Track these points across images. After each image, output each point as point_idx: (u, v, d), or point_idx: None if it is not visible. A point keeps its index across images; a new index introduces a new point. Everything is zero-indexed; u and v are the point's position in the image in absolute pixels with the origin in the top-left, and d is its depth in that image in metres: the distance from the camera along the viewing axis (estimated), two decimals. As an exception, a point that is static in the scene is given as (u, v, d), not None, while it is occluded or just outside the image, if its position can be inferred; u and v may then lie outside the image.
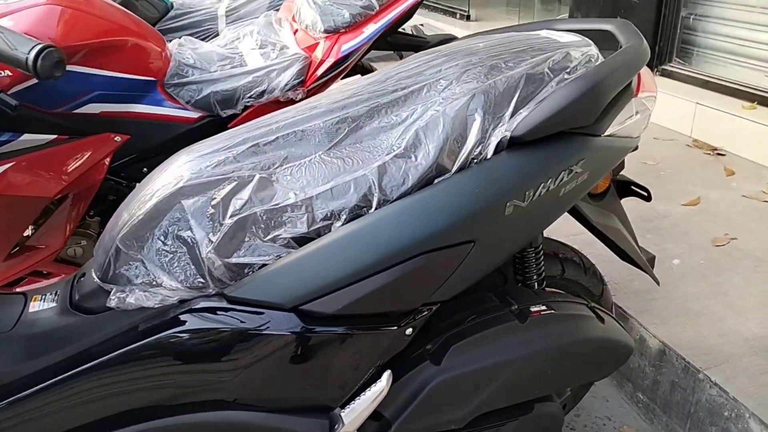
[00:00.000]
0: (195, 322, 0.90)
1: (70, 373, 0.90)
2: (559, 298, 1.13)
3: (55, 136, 1.46)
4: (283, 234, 0.89)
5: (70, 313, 0.98)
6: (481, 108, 0.92)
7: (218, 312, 0.90)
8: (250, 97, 1.59)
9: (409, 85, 0.99)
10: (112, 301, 0.92)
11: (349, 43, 1.62)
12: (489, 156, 0.92)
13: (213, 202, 0.90)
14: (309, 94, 1.64)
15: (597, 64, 1.01)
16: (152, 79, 1.57)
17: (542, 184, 0.93)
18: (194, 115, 1.60)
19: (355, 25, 1.65)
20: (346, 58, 1.62)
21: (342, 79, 1.72)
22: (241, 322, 0.89)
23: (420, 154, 0.91)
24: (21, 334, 0.96)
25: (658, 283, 1.39)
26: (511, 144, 0.94)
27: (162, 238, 0.91)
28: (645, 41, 1.06)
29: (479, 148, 0.92)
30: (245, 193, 0.90)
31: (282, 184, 0.91)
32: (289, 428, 0.95)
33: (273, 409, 0.95)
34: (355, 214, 0.90)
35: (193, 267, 0.90)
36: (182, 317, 0.91)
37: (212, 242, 0.89)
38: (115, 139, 1.54)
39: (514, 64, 0.98)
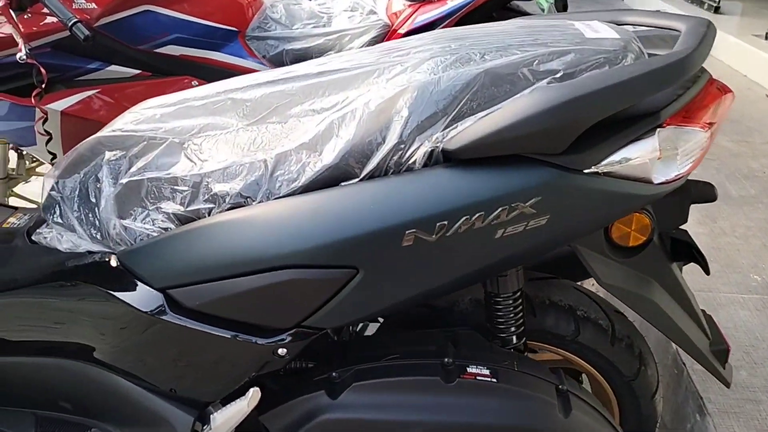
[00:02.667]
0: (80, 277, 0.88)
1: None
2: (522, 366, 0.88)
3: (138, 72, 1.55)
4: (165, 207, 0.81)
5: (19, 238, 1.02)
6: (410, 107, 0.72)
7: (101, 273, 0.87)
8: (322, 59, 1.50)
9: (365, 64, 0.82)
10: (34, 236, 0.93)
11: (426, 14, 1.43)
12: (412, 165, 0.73)
13: (122, 161, 0.86)
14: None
15: (601, 70, 0.73)
16: (234, 29, 1.57)
17: (464, 218, 0.70)
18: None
19: (441, -5, 1.46)
20: (418, 30, 1.44)
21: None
22: (115, 289, 0.85)
23: (326, 149, 0.75)
24: None
25: (727, 385, 1.02)
26: (446, 159, 0.73)
27: (81, 184, 0.90)
28: (700, 49, 0.74)
29: (397, 156, 0.73)
30: (149, 157, 0.85)
31: (187, 154, 0.84)
32: (153, 408, 0.89)
33: (147, 386, 0.89)
34: (237, 202, 0.78)
35: (96, 221, 0.88)
36: (73, 269, 0.89)
37: (108, 200, 0.85)
38: (193, 83, 1.57)
39: (491, 58, 0.75)
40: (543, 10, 1.68)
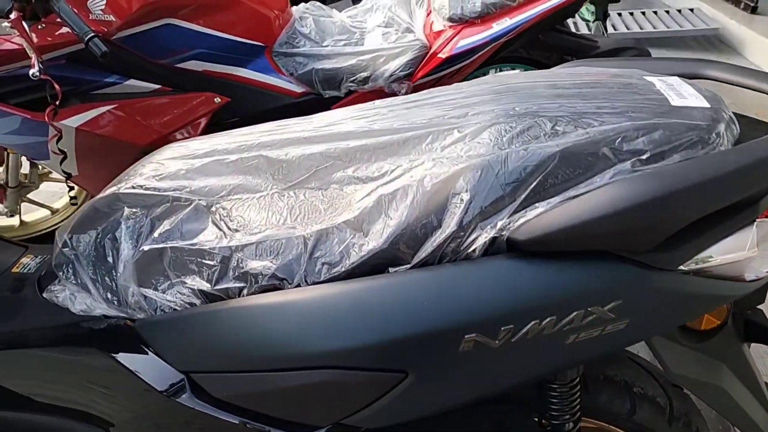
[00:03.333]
0: (94, 344, 0.81)
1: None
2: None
3: (158, 87, 1.46)
4: (190, 283, 0.73)
5: (29, 287, 0.95)
6: (471, 189, 0.63)
7: (117, 342, 0.79)
8: (352, 81, 1.40)
9: (416, 126, 0.73)
10: (46, 293, 0.86)
11: (469, 39, 1.32)
12: (475, 255, 0.64)
13: (143, 221, 0.78)
14: (417, 89, 1.40)
15: (696, 157, 0.63)
16: (261, 44, 1.47)
17: (533, 322, 0.61)
18: (297, 89, 1.48)
19: (485, 17, 1.34)
20: (461, 56, 1.34)
21: (465, 79, 1.44)
22: (132, 363, 0.77)
23: (373, 230, 0.66)
24: None
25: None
26: (510, 248, 0.64)
27: (97, 242, 0.82)
28: None
29: (455, 243, 0.64)
30: (173, 220, 0.76)
31: (215, 220, 0.75)
32: None
33: None
34: (272, 284, 0.69)
35: (113, 285, 0.80)
36: (87, 334, 0.82)
37: (127, 266, 0.77)
38: (215, 100, 1.49)
39: (563, 129, 0.66)
40: (588, 25, 1.56)
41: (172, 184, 0.79)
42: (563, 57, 1.67)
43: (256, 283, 0.70)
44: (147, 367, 0.78)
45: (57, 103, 1.34)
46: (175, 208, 0.77)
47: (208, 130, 1.55)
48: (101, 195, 0.83)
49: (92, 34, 1.25)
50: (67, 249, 0.83)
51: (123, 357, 0.79)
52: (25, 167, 1.97)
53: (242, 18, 1.43)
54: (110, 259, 0.80)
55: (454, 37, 1.34)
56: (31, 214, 2.24)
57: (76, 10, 1.27)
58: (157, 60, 1.43)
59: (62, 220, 2.25)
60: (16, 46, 1.36)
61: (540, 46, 1.55)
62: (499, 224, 0.62)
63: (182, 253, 0.74)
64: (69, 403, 0.89)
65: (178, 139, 1.53)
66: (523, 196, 0.62)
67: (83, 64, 1.44)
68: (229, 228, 0.74)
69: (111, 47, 1.35)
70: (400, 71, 1.35)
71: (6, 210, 1.98)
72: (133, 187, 0.80)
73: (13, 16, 1.26)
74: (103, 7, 1.35)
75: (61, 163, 1.49)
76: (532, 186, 0.62)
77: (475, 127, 0.69)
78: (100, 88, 1.46)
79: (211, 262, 0.72)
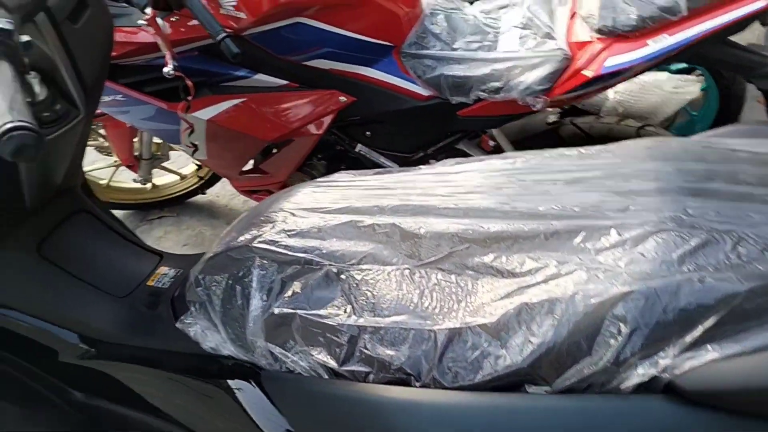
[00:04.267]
0: (222, 386, 0.84)
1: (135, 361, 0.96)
2: None
3: (285, 83, 1.45)
4: (317, 356, 0.73)
5: (165, 305, 1.00)
6: (633, 320, 0.57)
7: (242, 389, 0.82)
8: (483, 89, 1.32)
9: (566, 214, 0.67)
10: (179, 323, 0.90)
11: (621, 58, 1.18)
12: (621, 388, 0.58)
13: (274, 277, 0.78)
14: (553, 104, 1.29)
15: None
16: (389, 44, 1.41)
17: None
18: (424, 92, 1.41)
19: (641, 31, 1.19)
20: (608, 77, 1.21)
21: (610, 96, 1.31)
22: (254, 412, 0.80)
23: (513, 342, 0.62)
24: (126, 305, 1.02)
25: None
26: (668, 390, 0.57)
27: (228, 287, 0.84)
28: None
29: (605, 376, 0.58)
30: (304, 285, 0.76)
31: (344, 290, 0.73)
32: None
33: None
34: (399, 377, 0.67)
35: (242, 332, 0.82)
36: (215, 373, 0.85)
37: (257, 322, 0.78)
38: (341, 98, 1.46)
39: (749, 255, 0.57)
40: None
41: (305, 245, 0.78)
42: (724, 73, 1.48)
43: (382, 371, 0.68)
44: (266, 417, 0.79)
45: (190, 98, 1.37)
46: (306, 271, 0.76)
47: (333, 127, 1.54)
48: (234, 244, 0.84)
49: (224, 34, 1.24)
50: (200, 289, 0.86)
51: (246, 401, 0.82)
52: (157, 139, 2.07)
53: (372, 17, 1.37)
54: (240, 307, 0.82)
55: (602, 52, 1.20)
56: (162, 178, 2.37)
57: (208, 7, 1.27)
58: (285, 57, 1.41)
59: (189, 186, 2.37)
60: (150, 38, 1.39)
61: (694, 59, 1.37)
62: (662, 363, 0.56)
63: (311, 323, 0.73)
64: (188, 424, 0.95)
65: (303, 135, 1.54)
66: (693, 336, 0.55)
67: (215, 56, 1.45)
68: (358, 302, 0.72)
69: (241, 44, 1.35)
70: (538, 85, 1.25)
71: (140, 179, 2.10)
72: (267, 243, 0.80)
73: (148, 11, 1.28)
74: (234, 3, 1.33)
75: (192, 155, 1.54)
76: (706, 327, 0.55)
77: (637, 231, 0.62)
78: (229, 80, 1.47)
79: (339, 340, 0.71)
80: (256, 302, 0.79)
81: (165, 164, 2.22)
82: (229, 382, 0.84)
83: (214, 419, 0.90)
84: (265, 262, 0.80)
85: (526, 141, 1.57)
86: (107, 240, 1.11)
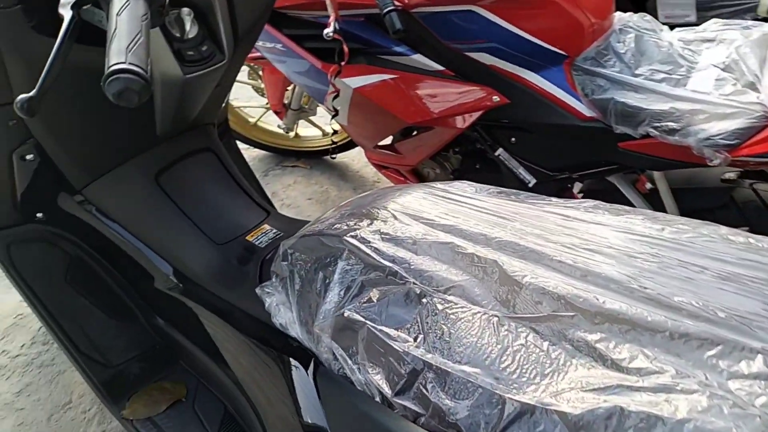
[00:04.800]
0: (279, 360, 0.82)
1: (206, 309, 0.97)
2: None
3: (441, 68, 1.37)
4: (374, 376, 0.66)
5: (254, 265, 0.99)
6: None
7: (299, 372, 0.78)
8: (655, 126, 1.16)
9: (702, 314, 0.55)
10: (260, 289, 0.88)
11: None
12: None
13: (356, 277, 0.73)
14: (733, 164, 1.10)
15: None
16: (562, 53, 1.27)
17: None
18: (587, 112, 1.27)
19: None
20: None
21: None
22: (303, 401, 0.76)
23: None
24: (220, 254, 1.02)
25: None
26: None
27: (311, 270, 0.80)
28: None
29: None
30: (382, 295, 0.69)
31: (421, 315, 0.66)
32: None
33: None
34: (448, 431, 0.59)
35: (312, 320, 0.78)
36: (275, 350, 0.83)
37: (327, 316, 0.74)
38: (494, 98, 1.36)
39: None
40: None
41: (395, 254, 0.71)
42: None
43: (435, 418, 0.60)
44: (310, 409, 0.76)
45: (342, 63, 1.34)
46: (389, 282, 0.70)
47: (477, 124, 1.44)
48: (329, 230, 0.79)
49: (392, 8, 1.19)
50: (286, 263, 0.83)
51: (297, 385, 0.78)
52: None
53: (552, 21, 1.24)
54: (317, 295, 0.77)
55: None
56: (306, 129, 2.41)
57: (383, -24, 1.22)
58: (448, 42, 1.33)
59: (330, 143, 2.39)
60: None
61: None
62: None
63: (377, 339, 0.67)
64: (243, 384, 0.94)
65: (446, 125, 1.46)
66: None
67: (378, 26, 1.41)
68: (431, 335, 0.64)
69: (407, 20, 1.29)
70: (722, 138, 1.06)
71: (284, 127, 2.15)
72: (359, 239, 0.74)
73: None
74: (412, -22, 1.27)
75: (332, 118, 1.52)
76: None
77: None
78: (386, 54, 1.42)
79: (400, 369, 0.64)
80: (332, 296, 0.74)
81: (311, 117, 2.25)
82: (287, 362, 0.81)
83: (266, 389, 0.88)
84: (352, 258, 0.74)
85: (690, 194, 1.37)
86: (222, 184, 1.11)
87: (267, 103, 2.18)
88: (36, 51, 0.77)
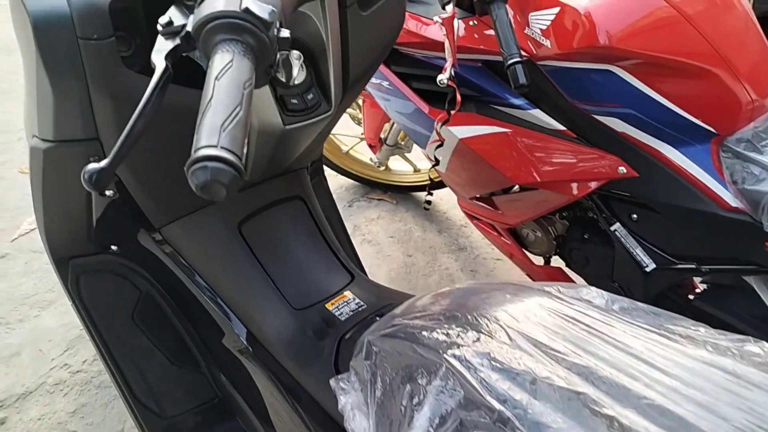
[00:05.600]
0: None
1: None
2: None
3: (563, 128, 1.22)
4: None
5: (330, 341, 0.88)
6: None
7: None
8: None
9: None
10: (335, 380, 0.76)
11: None
12: None
13: (452, 410, 0.60)
14: None
15: None
16: (711, 130, 1.09)
17: None
18: (731, 202, 1.08)
19: None
20: None
21: None
22: None
23: None
24: (296, 322, 0.92)
25: None
26: None
27: (399, 382, 0.67)
28: None
29: None
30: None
31: None
32: None
33: None
34: None
35: (389, 414, 0.66)
36: None
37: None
38: (620, 169, 1.19)
39: None
40: None
41: (509, 393, 0.57)
42: None
43: None
44: None
45: (453, 112, 1.21)
46: (475, 417, 0.56)
47: (595, 192, 1.28)
48: (424, 337, 0.66)
49: (517, 59, 1.05)
50: (368, 362, 0.71)
51: None
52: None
53: (705, 92, 1.06)
54: (401, 414, 0.64)
55: None
56: (397, 163, 2.30)
57: (513, 25, 1.09)
58: (575, 101, 1.17)
59: (418, 181, 2.27)
60: (439, 36, 1.25)
61: None
62: None
63: None
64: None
65: (558, 191, 1.30)
66: None
67: (497, 74, 1.27)
68: None
69: (531, 71, 1.15)
70: None
71: (376, 161, 2.05)
72: (462, 362, 0.61)
73: (448, 9, 1.14)
74: (544, 28, 1.13)
75: (432, 167, 1.40)
76: None
77: None
78: (501, 105, 1.28)
79: None
80: (420, 422, 0.61)
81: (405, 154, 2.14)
82: None
83: None
84: (450, 380, 0.61)
85: None
86: (307, 239, 1.01)
87: (362, 133, 2.09)
88: (124, 87, 0.69)
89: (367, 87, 1.53)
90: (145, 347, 1.10)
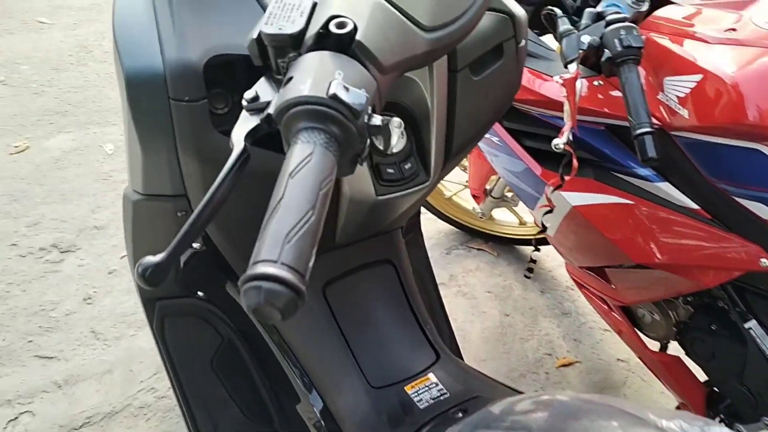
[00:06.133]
0: None
1: None
2: None
3: (695, 207, 1.07)
4: None
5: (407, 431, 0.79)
6: None
7: None
8: None
9: None
10: None
11: None
12: None
13: None
14: None
15: None
16: None
17: None
18: None
19: None
20: None
21: None
22: None
23: None
24: (372, 402, 0.84)
25: None
26: None
27: None
28: None
29: None
30: None
31: None
32: None
33: None
34: None
35: None
36: None
37: None
38: (762, 261, 1.02)
39: None
40: None
41: None
42: None
43: None
44: None
45: (567, 178, 1.11)
46: None
47: (729, 285, 1.11)
48: None
49: (647, 130, 0.94)
50: None
51: None
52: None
53: None
54: None
55: None
56: (501, 212, 2.19)
57: (645, 89, 0.97)
58: (713, 179, 1.03)
59: (523, 234, 2.14)
60: (558, 96, 1.15)
61: None
62: None
63: None
64: None
65: (685, 276, 1.14)
66: None
67: (622, 140, 1.15)
68: None
69: (663, 141, 1.02)
70: None
71: (479, 211, 1.95)
72: None
73: (571, 68, 1.04)
74: (682, 96, 1.00)
75: (539, 233, 1.29)
76: None
77: None
78: (624, 174, 1.15)
79: None
80: None
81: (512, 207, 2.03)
82: None
83: None
84: None
85: None
86: (394, 310, 0.94)
87: (466, 180, 2.00)
88: (212, 149, 0.66)
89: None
90: (221, 397, 1.07)
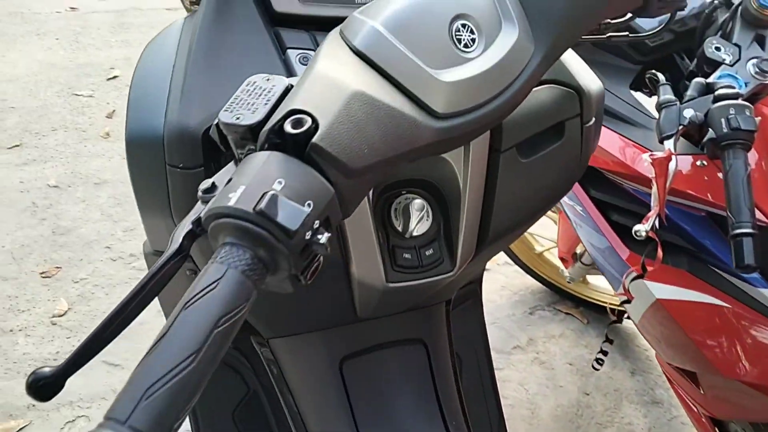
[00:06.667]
0: None
1: None
2: None
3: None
4: None
5: None
6: None
7: None
8: None
9: None
10: None
11: None
12: None
13: None
14: None
15: None
16: None
17: None
18: None
19: None
20: None
21: None
22: None
23: None
24: None
25: None
26: None
27: None
28: None
29: None
30: None
31: None
32: None
33: None
34: None
35: None
36: None
37: None
38: None
39: None
40: None
41: None
42: None
43: None
44: None
45: (651, 268, 0.96)
46: None
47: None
48: None
49: (747, 231, 0.78)
50: None
51: None
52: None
53: None
54: None
55: None
56: (597, 277, 1.99)
57: (754, 179, 0.82)
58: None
59: (615, 303, 1.94)
60: (647, 172, 1.01)
61: None
62: None
63: None
64: None
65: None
66: None
67: (725, 231, 0.98)
68: None
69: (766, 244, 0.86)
70: None
71: (568, 276, 1.79)
72: None
73: (666, 146, 0.90)
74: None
75: (613, 323, 1.13)
76: None
77: None
78: (724, 271, 0.98)
79: None
80: None
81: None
82: None
83: None
84: None
85: None
86: (415, 401, 0.84)
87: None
88: None
89: (562, 202, 1.32)
90: None
